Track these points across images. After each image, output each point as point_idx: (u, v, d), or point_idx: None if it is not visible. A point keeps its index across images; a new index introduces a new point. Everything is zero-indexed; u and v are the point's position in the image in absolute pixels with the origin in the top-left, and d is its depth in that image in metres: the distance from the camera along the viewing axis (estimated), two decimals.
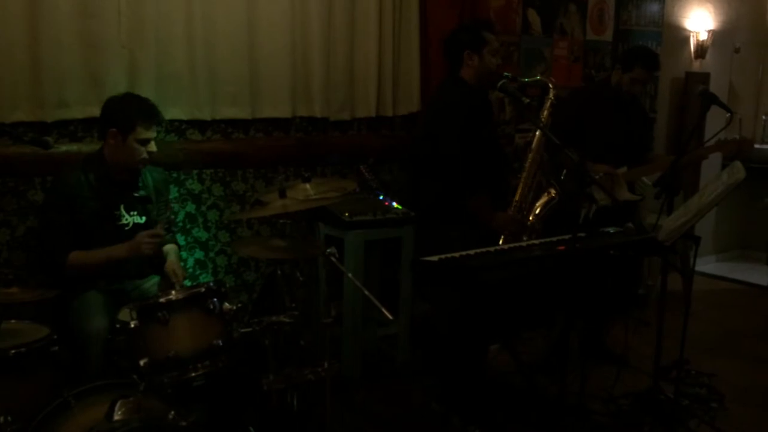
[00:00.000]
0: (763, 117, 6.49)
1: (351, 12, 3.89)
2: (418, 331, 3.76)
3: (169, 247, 3.09)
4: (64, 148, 3.14)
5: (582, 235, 2.94)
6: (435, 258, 2.62)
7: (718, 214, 6.02)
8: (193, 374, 2.38)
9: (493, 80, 3.20)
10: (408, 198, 3.85)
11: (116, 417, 2.08)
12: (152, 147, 2.88)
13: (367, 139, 4.12)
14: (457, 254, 2.67)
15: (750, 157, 5.56)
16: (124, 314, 2.59)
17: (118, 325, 2.60)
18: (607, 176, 3.63)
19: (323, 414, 2.62)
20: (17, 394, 2.25)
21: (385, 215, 3.62)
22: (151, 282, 3.01)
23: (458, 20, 4.10)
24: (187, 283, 3.14)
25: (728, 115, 3.27)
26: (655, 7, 5.44)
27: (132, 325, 2.36)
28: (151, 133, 2.87)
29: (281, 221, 3.47)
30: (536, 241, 3.07)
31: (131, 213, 2.94)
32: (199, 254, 3.63)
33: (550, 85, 3.52)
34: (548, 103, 3.48)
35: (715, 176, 3.05)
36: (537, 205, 3.41)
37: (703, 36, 5.87)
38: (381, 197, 3.78)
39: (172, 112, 3.38)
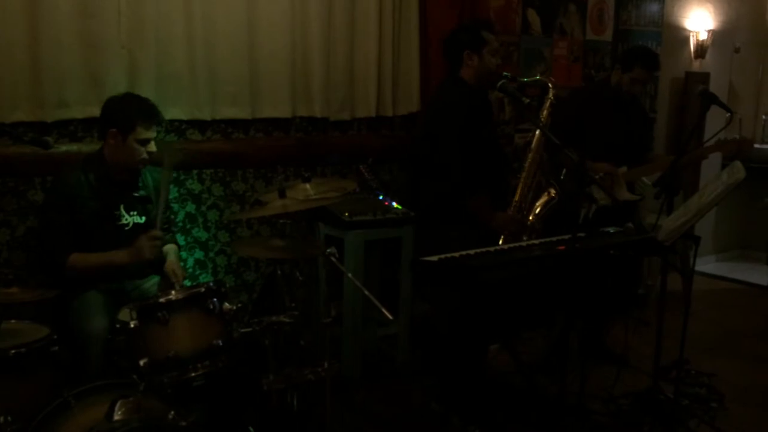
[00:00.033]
0: (763, 117, 6.49)
1: (351, 12, 3.89)
2: (418, 331, 3.76)
3: (169, 247, 3.09)
4: (64, 148, 3.14)
5: (582, 235, 2.94)
6: (435, 258, 2.62)
7: (718, 214, 6.02)
8: (193, 374, 2.38)
9: (493, 80, 3.20)
10: (408, 198, 3.85)
11: (116, 417, 2.08)
12: (152, 147, 2.88)
13: (367, 139, 4.12)
14: (456, 254, 2.67)
15: (750, 156, 5.56)
16: (124, 314, 2.59)
17: (118, 325, 2.60)
18: (607, 176, 3.63)
19: (323, 414, 2.62)
20: (17, 394, 2.25)
21: (385, 215, 3.62)
22: (151, 282, 3.01)
23: (458, 20, 4.11)
24: (187, 283, 3.14)
25: (728, 115, 3.27)
26: (654, 7, 5.45)
27: (132, 325, 2.36)
28: (151, 134, 2.87)
29: (281, 221, 3.46)
30: (536, 241, 3.07)
31: (131, 213, 2.94)
32: (199, 254, 3.63)
33: (550, 85, 3.52)
34: (548, 103, 3.48)
35: (715, 176, 3.05)
36: (537, 204, 3.41)
37: (703, 36, 5.87)
38: (381, 197, 3.78)
39: (172, 112, 3.38)
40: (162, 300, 2.40)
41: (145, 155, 2.86)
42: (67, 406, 2.18)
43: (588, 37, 5.11)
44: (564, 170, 3.62)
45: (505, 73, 3.25)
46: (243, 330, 2.57)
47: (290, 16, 3.67)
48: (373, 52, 3.98)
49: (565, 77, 4.92)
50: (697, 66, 5.91)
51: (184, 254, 3.50)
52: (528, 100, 3.17)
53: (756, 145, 6.17)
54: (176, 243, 3.20)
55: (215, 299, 2.49)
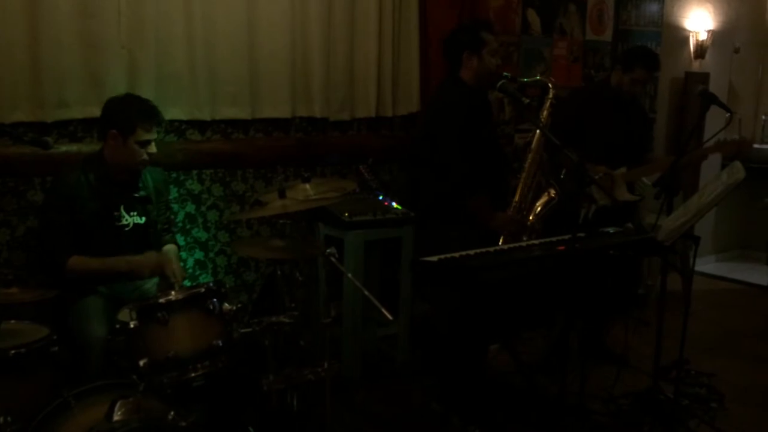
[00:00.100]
0: (763, 117, 6.49)
1: (351, 12, 3.89)
2: (417, 331, 3.76)
3: (169, 248, 3.09)
4: (63, 148, 3.14)
5: (582, 235, 2.94)
6: (435, 258, 2.62)
7: (717, 214, 6.02)
8: (193, 374, 2.38)
9: (493, 80, 3.20)
10: (407, 198, 3.85)
11: (116, 417, 2.08)
12: (152, 148, 2.88)
13: (367, 140, 4.12)
14: (456, 254, 2.67)
15: (750, 157, 5.57)
16: (123, 314, 2.58)
17: (117, 326, 2.59)
18: (607, 176, 3.63)
19: (323, 414, 2.62)
20: (17, 394, 2.25)
21: (384, 215, 3.62)
22: (151, 282, 3.01)
23: (458, 20, 4.11)
24: (187, 283, 3.14)
25: (728, 115, 3.27)
26: (654, 7, 5.45)
27: (131, 326, 2.36)
28: (152, 135, 2.87)
29: (281, 221, 3.46)
30: (536, 241, 3.07)
31: (131, 213, 2.94)
32: (198, 254, 3.63)
33: (550, 85, 3.52)
34: (548, 103, 3.48)
35: (715, 176, 3.05)
36: (537, 205, 3.41)
37: (703, 36, 5.87)
38: (381, 197, 3.78)
39: (171, 112, 3.38)
40: (162, 300, 2.40)
41: (145, 156, 2.86)
42: (67, 406, 2.17)
43: (588, 37, 5.11)
44: (563, 170, 3.62)
45: (505, 74, 3.24)
46: (243, 330, 2.57)
47: (290, 16, 3.67)
48: (373, 52, 3.98)
49: (565, 77, 4.92)
50: (696, 66, 5.91)
51: (183, 254, 3.50)
52: (528, 101, 3.17)
53: (756, 145, 6.17)
54: (176, 243, 3.20)
55: (215, 299, 2.49)
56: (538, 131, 3.43)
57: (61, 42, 3.08)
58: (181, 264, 3.20)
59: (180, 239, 3.45)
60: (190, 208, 3.59)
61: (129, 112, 2.82)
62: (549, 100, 3.48)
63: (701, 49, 5.88)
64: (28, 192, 3.14)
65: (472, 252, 2.73)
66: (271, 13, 3.61)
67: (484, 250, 2.79)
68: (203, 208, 3.64)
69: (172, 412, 2.17)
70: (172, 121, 3.43)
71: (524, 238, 3.29)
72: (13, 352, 2.26)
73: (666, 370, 3.46)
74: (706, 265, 6.15)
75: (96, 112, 3.02)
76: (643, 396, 3.35)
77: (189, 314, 2.43)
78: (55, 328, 2.45)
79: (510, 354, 3.64)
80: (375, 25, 3.96)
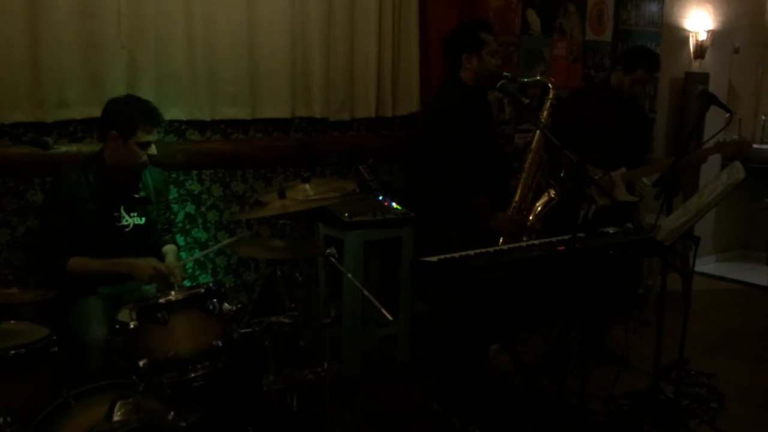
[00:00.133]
0: (763, 117, 6.49)
1: (351, 12, 3.88)
2: (417, 331, 3.76)
3: (168, 248, 3.09)
4: (63, 148, 3.14)
5: (581, 235, 2.94)
6: (434, 258, 2.62)
7: (717, 214, 6.02)
8: (193, 375, 2.38)
9: (493, 81, 3.19)
10: (407, 198, 3.85)
11: (116, 417, 2.08)
12: (153, 150, 2.88)
13: (367, 140, 4.11)
14: (456, 254, 2.67)
15: (749, 157, 5.57)
16: (123, 315, 2.58)
17: (117, 326, 2.59)
18: (606, 176, 3.63)
19: (323, 414, 2.62)
20: (17, 395, 2.25)
21: (384, 215, 3.62)
22: (151, 283, 3.00)
23: (458, 20, 4.10)
24: (187, 283, 3.14)
25: (727, 115, 3.27)
26: (654, 8, 5.45)
27: (131, 326, 2.36)
28: (152, 137, 2.87)
29: (281, 222, 3.46)
30: (536, 242, 3.07)
31: (131, 214, 2.94)
32: (198, 254, 3.62)
33: (550, 86, 3.51)
34: (548, 104, 3.47)
35: (715, 176, 3.05)
36: (537, 205, 3.41)
37: (703, 36, 5.87)
38: (380, 197, 3.78)
39: (171, 112, 3.38)
40: (161, 300, 2.40)
41: (145, 158, 2.86)
42: (67, 406, 2.18)
43: (587, 38, 5.11)
44: (563, 169, 3.61)
45: (505, 74, 3.24)
46: (243, 330, 2.57)
47: (290, 16, 3.67)
48: (373, 52, 3.98)
49: (565, 77, 4.92)
50: (696, 66, 5.91)
51: (183, 255, 3.50)
52: (528, 101, 3.17)
53: (755, 146, 6.16)
54: (176, 243, 3.20)
55: (215, 300, 2.49)
56: (538, 131, 3.43)
57: (61, 42, 3.07)
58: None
59: (180, 239, 3.44)
60: (190, 208, 3.59)
61: (129, 114, 2.82)
62: (549, 101, 3.48)
63: (701, 50, 5.88)
64: (28, 192, 3.14)
65: (472, 252, 2.73)
66: (271, 13, 3.61)
67: (484, 250, 2.79)
68: (203, 209, 3.63)
69: (172, 413, 2.17)
70: (171, 122, 3.43)
71: (524, 238, 3.29)
72: (13, 352, 2.26)
73: (666, 370, 3.46)
74: (706, 265, 6.15)
75: (96, 112, 3.02)
76: (643, 396, 3.35)
77: (189, 314, 2.43)
78: (55, 328, 2.45)
79: (510, 354, 3.64)
80: (375, 25, 3.96)
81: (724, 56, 6.13)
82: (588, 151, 3.37)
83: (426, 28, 4.14)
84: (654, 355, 3.19)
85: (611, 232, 3.09)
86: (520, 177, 3.41)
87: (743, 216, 6.47)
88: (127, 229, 2.91)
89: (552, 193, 3.40)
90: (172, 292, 2.47)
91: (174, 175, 3.50)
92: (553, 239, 2.99)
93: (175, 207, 3.50)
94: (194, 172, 3.59)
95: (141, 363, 2.29)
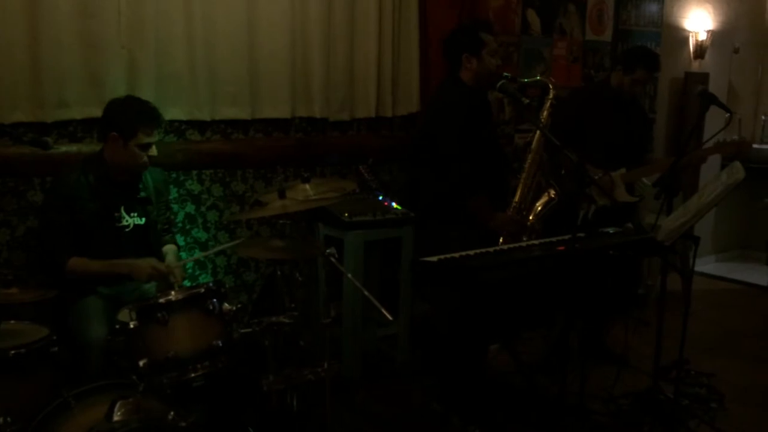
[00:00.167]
0: (763, 117, 6.49)
1: (351, 12, 3.89)
2: (417, 331, 3.76)
3: (168, 248, 3.09)
4: (63, 148, 3.14)
5: (581, 235, 2.94)
6: (434, 258, 2.62)
7: (717, 214, 6.02)
8: (193, 375, 2.38)
9: (493, 81, 3.19)
10: (407, 198, 3.85)
11: (116, 417, 2.08)
12: (153, 151, 2.88)
13: (367, 140, 4.11)
14: (456, 254, 2.67)
15: (749, 157, 5.57)
16: (123, 315, 2.58)
17: (117, 326, 2.59)
18: (606, 176, 3.63)
19: (323, 414, 2.62)
20: (17, 395, 2.25)
21: (384, 215, 3.62)
22: (151, 283, 3.01)
23: (458, 20, 4.10)
24: (187, 283, 3.14)
25: (727, 115, 3.27)
26: (654, 8, 5.45)
27: (131, 326, 2.36)
28: (153, 138, 2.87)
29: (281, 222, 3.46)
30: (536, 242, 3.07)
31: (131, 214, 2.94)
32: (198, 254, 3.62)
33: (550, 86, 3.51)
34: (548, 104, 3.47)
35: (715, 176, 3.05)
36: (537, 205, 3.41)
37: (702, 36, 5.87)
38: (380, 197, 3.78)
39: (171, 112, 3.38)
40: (161, 300, 2.40)
41: (145, 159, 2.86)
42: (67, 406, 2.18)
43: (587, 38, 5.11)
44: (562, 169, 3.61)
45: (505, 74, 3.24)
46: (243, 330, 2.57)
47: (290, 16, 3.67)
48: (373, 52, 3.98)
49: (565, 77, 4.92)
50: (696, 66, 5.91)
51: (183, 255, 3.50)
52: (528, 101, 3.16)
53: (755, 146, 6.16)
54: (176, 243, 3.20)
55: (215, 300, 2.49)
56: (538, 131, 3.43)
57: (61, 42, 3.07)
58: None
59: (180, 239, 3.44)
60: (190, 208, 3.59)
61: (130, 115, 2.82)
62: (549, 101, 3.48)
63: (701, 50, 5.88)
64: (28, 192, 3.14)
65: (472, 252, 2.73)
66: (271, 13, 3.61)
67: (484, 250, 2.79)
68: (203, 209, 3.63)
69: (172, 413, 2.17)
70: (171, 122, 3.43)
71: (524, 238, 3.29)
72: (13, 352, 2.26)
73: (666, 370, 3.46)
74: (706, 265, 6.15)
75: (96, 112, 3.02)
76: (643, 396, 3.35)
77: (189, 314, 2.43)
78: (55, 328, 2.45)
79: (510, 354, 3.64)
80: (375, 25, 3.96)
81: (724, 56, 6.13)
82: (588, 151, 3.37)
83: (426, 28, 4.14)
84: (654, 355, 3.19)
85: (611, 232, 3.09)
86: (520, 177, 3.41)
87: (743, 216, 6.47)
88: (127, 230, 2.92)
89: (552, 193, 3.40)
90: (172, 292, 2.47)
91: (174, 175, 3.50)
92: (553, 239, 2.99)
93: (175, 207, 3.50)
94: (194, 172, 3.59)
95: (141, 363, 2.29)
